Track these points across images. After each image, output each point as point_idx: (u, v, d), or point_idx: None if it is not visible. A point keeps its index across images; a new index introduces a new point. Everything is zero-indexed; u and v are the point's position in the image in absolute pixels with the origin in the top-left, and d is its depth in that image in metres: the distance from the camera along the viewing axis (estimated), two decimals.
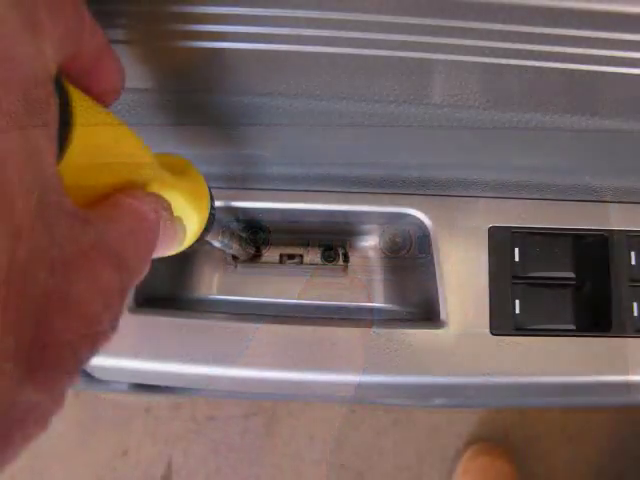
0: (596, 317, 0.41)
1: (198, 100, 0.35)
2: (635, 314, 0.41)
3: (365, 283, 0.48)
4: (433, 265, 0.41)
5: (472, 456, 1.25)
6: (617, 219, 0.42)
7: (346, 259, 0.49)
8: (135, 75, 0.32)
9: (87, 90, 0.22)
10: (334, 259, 0.49)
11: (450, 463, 1.27)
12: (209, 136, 0.39)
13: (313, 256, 0.49)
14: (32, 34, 0.17)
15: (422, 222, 0.42)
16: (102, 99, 0.23)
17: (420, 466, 1.28)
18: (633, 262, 0.41)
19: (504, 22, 0.27)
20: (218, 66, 0.31)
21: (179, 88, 0.34)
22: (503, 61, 0.30)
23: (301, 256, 0.49)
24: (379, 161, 0.41)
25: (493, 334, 0.40)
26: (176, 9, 0.27)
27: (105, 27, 0.23)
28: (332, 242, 0.49)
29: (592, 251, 0.42)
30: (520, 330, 0.41)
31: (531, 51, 0.29)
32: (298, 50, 0.29)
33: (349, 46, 0.29)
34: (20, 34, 0.16)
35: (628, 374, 0.40)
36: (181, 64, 0.32)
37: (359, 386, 0.40)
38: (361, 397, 0.45)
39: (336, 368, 0.40)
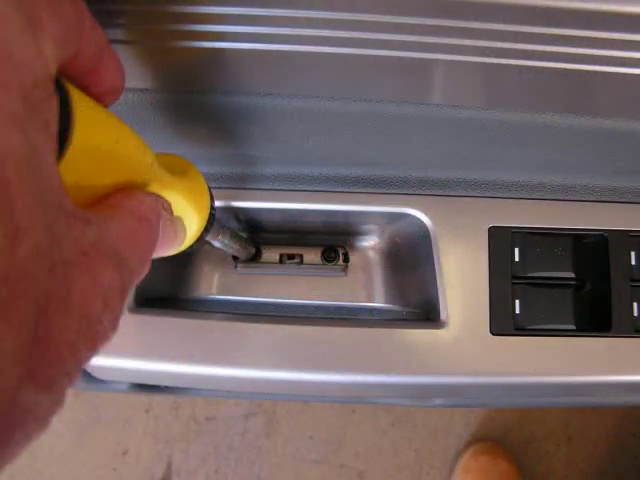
0: (596, 317, 0.41)
1: (198, 100, 0.35)
2: (635, 314, 0.41)
3: (365, 283, 0.48)
4: (433, 265, 0.41)
5: (473, 455, 1.25)
6: (617, 219, 0.42)
7: (346, 259, 0.49)
8: (135, 75, 0.32)
9: (87, 90, 0.22)
10: (334, 259, 0.49)
11: (450, 463, 1.27)
12: (209, 136, 0.39)
13: (313, 256, 0.49)
14: (32, 34, 0.17)
15: (422, 222, 0.42)
16: (102, 99, 0.23)
17: (420, 466, 1.28)
18: (633, 262, 0.41)
19: (504, 22, 0.27)
20: (218, 66, 0.31)
21: (179, 88, 0.34)
22: (503, 61, 0.30)
23: (301, 256, 0.49)
24: (379, 161, 0.41)
25: (493, 334, 0.40)
26: (176, 9, 0.27)
27: (105, 27, 0.23)
28: (332, 242, 0.49)
29: (592, 251, 0.42)
30: (520, 330, 0.41)
31: (530, 51, 0.29)
32: (298, 50, 0.29)
33: (348, 46, 0.29)
34: (20, 34, 0.16)
35: (628, 374, 0.40)
36: (181, 64, 0.32)
37: (359, 386, 0.40)
38: (361, 397, 0.45)
39: (335, 368, 0.40)
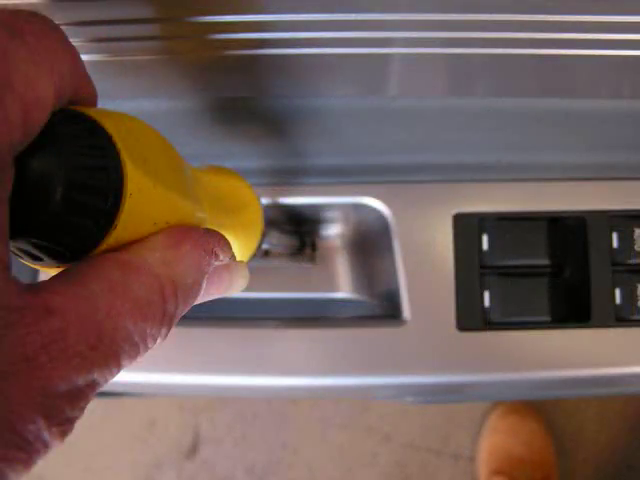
0: (574, 307, 0.38)
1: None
2: (617, 301, 0.37)
3: (333, 273, 0.45)
4: (394, 257, 0.38)
5: (501, 415, 1.23)
6: (595, 198, 0.37)
7: (314, 248, 0.46)
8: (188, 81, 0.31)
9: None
10: (301, 248, 0.46)
11: (478, 423, 1.26)
12: None
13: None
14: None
15: (380, 212, 0.39)
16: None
17: (447, 426, 1.27)
18: (615, 245, 0.37)
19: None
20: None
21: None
22: (469, 50, 0.28)
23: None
24: (334, 149, 0.38)
25: (460, 330, 0.37)
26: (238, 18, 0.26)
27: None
28: (298, 231, 0.46)
29: (569, 235, 0.38)
30: (490, 324, 0.38)
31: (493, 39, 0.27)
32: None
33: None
34: None
35: (609, 368, 0.37)
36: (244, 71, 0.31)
37: (319, 389, 0.38)
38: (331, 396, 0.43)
39: (294, 371, 0.38)
